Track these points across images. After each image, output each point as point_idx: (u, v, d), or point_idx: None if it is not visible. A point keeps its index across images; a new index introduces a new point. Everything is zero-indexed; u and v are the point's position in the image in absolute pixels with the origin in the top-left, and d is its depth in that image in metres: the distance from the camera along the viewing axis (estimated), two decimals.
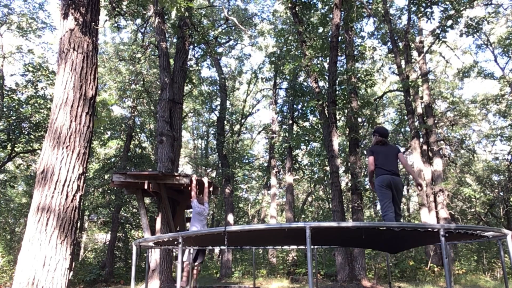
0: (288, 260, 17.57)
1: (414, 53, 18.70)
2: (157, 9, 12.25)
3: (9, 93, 14.86)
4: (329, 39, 13.85)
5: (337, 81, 13.45)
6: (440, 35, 14.81)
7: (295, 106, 20.30)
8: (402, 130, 22.44)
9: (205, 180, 8.09)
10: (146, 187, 8.58)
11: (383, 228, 4.46)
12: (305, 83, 19.58)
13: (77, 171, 5.60)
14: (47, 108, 14.20)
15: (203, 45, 16.27)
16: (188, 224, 10.05)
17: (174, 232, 8.85)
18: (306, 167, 22.38)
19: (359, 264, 11.88)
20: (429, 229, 4.30)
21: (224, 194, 18.87)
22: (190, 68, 16.24)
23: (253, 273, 11.56)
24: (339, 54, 14.50)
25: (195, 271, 7.88)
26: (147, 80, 19.72)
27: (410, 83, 15.60)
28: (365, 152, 18.98)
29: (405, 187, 27.43)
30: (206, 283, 13.84)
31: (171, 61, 13.78)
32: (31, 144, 14.66)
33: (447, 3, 13.20)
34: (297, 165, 21.77)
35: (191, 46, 15.51)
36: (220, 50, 21.84)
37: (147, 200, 17.63)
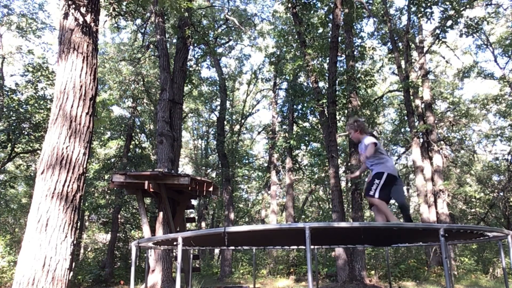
0: (289, 260, 17.57)
1: (414, 53, 18.70)
2: (157, 10, 12.26)
3: (9, 93, 14.84)
4: (329, 39, 13.85)
5: (337, 81, 13.45)
6: (440, 35, 14.80)
7: (295, 106, 20.31)
8: (402, 130, 22.43)
9: None
10: (146, 187, 8.58)
11: (383, 228, 4.46)
12: (305, 83, 19.57)
13: (77, 171, 5.60)
14: (47, 109, 14.18)
15: (203, 45, 16.26)
16: (188, 225, 10.03)
17: (174, 233, 8.85)
18: (306, 167, 22.38)
19: (359, 264, 11.86)
20: (429, 229, 4.30)
21: (224, 194, 18.87)
22: (190, 68, 16.23)
23: (253, 273, 11.55)
24: (339, 54, 14.49)
25: None
26: (147, 80, 19.71)
27: (410, 83, 15.58)
28: None
29: (404, 187, 27.43)
30: (206, 283, 13.82)
31: (171, 61, 13.79)
32: (31, 145, 14.65)
33: (447, 3, 13.18)
34: (297, 165, 21.76)
35: (191, 46, 15.51)
36: (220, 50, 21.83)
37: (147, 200, 17.62)
